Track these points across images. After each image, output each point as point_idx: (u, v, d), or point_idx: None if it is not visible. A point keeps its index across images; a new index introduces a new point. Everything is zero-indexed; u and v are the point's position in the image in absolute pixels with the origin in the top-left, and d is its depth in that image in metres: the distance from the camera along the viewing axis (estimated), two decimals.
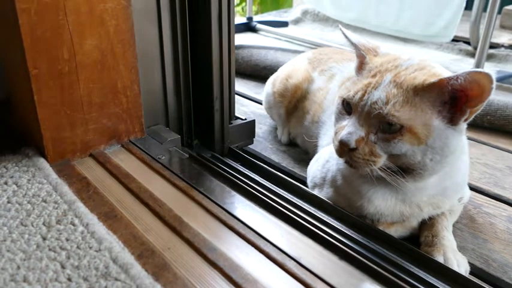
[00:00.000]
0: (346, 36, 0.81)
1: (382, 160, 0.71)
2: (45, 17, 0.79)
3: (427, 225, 0.83)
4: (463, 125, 0.72)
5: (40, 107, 0.83)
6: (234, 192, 0.82)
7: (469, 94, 0.67)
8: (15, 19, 0.77)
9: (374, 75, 0.74)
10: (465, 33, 2.16)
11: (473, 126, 0.75)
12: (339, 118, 0.77)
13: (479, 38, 1.75)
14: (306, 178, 1.00)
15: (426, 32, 1.99)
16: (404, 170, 0.72)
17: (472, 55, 2.04)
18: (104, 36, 0.86)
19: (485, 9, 1.77)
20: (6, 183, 0.81)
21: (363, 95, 0.72)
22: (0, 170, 0.84)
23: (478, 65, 1.73)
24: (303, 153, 1.19)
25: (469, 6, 1.92)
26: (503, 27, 2.53)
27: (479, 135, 1.31)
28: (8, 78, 0.99)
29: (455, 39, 2.08)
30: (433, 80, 0.69)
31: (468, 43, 2.20)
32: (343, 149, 0.72)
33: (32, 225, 0.70)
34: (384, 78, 0.72)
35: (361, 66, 0.79)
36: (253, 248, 0.66)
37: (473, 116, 0.70)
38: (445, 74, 0.72)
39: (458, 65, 2.02)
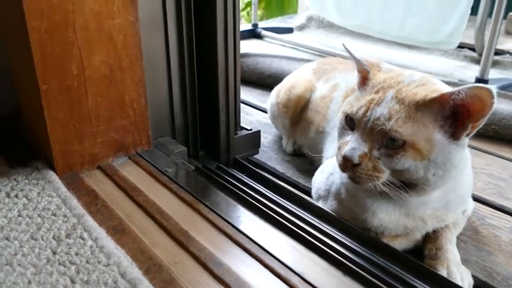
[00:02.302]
0: (349, 52, 0.82)
1: (385, 175, 0.72)
2: (55, 34, 0.81)
3: (431, 238, 0.83)
4: (465, 140, 0.73)
5: (49, 121, 0.85)
6: (239, 206, 0.83)
7: (470, 109, 0.68)
8: (26, 36, 0.79)
9: (377, 92, 0.75)
10: (470, 39, 2.16)
11: (477, 135, 0.75)
12: (342, 133, 0.78)
13: (485, 44, 1.76)
14: (310, 189, 1.01)
15: (431, 39, 1.99)
16: (407, 185, 0.73)
17: (477, 62, 2.04)
18: (112, 51, 0.88)
19: (490, 15, 1.77)
20: (16, 196, 0.83)
21: (366, 111, 0.73)
22: (11, 183, 0.86)
23: (483, 72, 1.74)
24: (308, 163, 1.20)
25: (474, 11, 1.92)
26: (508, 33, 2.53)
27: (483, 145, 1.31)
28: (18, 92, 1.01)
29: (460, 46, 2.08)
30: (434, 95, 0.70)
31: (473, 50, 2.20)
32: (347, 164, 0.73)
33: (42, 239, 0.72)
34: (386, 95, 0.73)
35: (363, 82, 0.80)
36: (258, 263, 0.67)
37: (475, 131, 0.71)
38: (446, 89, 0.73)
39: (463, 72, 2.02)
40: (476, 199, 1.02)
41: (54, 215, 0.78)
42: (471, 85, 0.66)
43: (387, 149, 0.71)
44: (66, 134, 0.88)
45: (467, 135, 0.71)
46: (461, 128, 0.70)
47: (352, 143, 0.73)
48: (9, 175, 0.89)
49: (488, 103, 0.66)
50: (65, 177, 0.89)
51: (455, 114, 0.70)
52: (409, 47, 2.34)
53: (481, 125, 0.70)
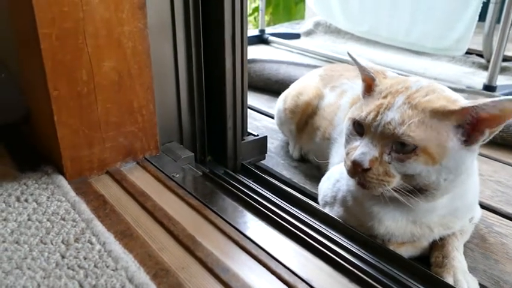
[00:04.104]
0: (354, 60, 0.82)
1: (395, 180, 0.72)
2: (66, 41, 0.82)
3: (438, 245, 0.83)
4: (478, 145, 0.73)
5: (59, 126, 0.86)
6: (246, 212, 0.83)
7: (492, 119, 0.68)
8: (37, 43, 0.80)
9: (385, 97, 0.75)
10: (478, 45, 2.15)
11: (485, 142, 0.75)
12: (349, 139, 0.78)
13: (493, 50, 1.75)
14: (317, 194, 1.01)
15: (438, 45, 1.99)
16: (417, 190, 0.73)
17: (485, 68, 2.03)
18: (121, 58, 0.89)
19: (498, 21, 1.77)
20: (26, 200, 0.84)
21: (376, 116, 0.73)
22: (20, 188, 0.87)
23: (491, 79, 1.73)
24: (315, 169, 1.20)
25: (482, 18, 1.91)
26: None
27: (491, 152, 1.31)
28: (28, 98, 1.02)
29: (468, 52, 2.07)
30: (455, 107, 0.69)
31: (481, 56, 2.19)
32: (357, 169, 0.72)
33: (52, 243, 0.73)
34: (396, 100, 0.73)
35: (369, 89, 0.80)
36: (264, 269, 0.67)
37: (491, 137, 0.71)
38: (455, 96, 0.73)
39: (471, 78, 2.02)
40: (483, 207, 1.01)
41: (63, 219, 0.79)
42: (497, 99, 0.66)
43: (398, 153, 0.70)
44: (76, 139, 0.89)
45: (483, 140, 0.71)
46: (478, 133, 0.70)
47: (362, 148, 0.73)
48: (19, 179, 0.90)
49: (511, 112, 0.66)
50: (74, 182, 0.90)
51: (473, 122, 0.70)
52: (417, 53, 2.33)
53: (498, 131, 0.70)
